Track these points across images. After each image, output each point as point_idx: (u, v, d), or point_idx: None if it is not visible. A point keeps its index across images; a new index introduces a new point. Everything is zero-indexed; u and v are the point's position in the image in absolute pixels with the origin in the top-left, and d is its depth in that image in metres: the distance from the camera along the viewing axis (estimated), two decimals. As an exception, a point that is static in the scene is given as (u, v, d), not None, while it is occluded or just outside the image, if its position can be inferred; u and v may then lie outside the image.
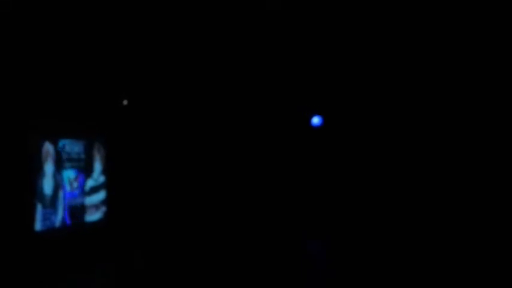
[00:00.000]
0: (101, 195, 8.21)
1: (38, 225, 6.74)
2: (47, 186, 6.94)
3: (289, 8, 6.88)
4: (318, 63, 8.45)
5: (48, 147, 6.97)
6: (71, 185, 7.47)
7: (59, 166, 7.19)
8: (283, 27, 7.41)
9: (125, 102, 8.67)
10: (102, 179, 8.25)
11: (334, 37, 7.82)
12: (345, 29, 7.55)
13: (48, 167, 6.97)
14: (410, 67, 8.07)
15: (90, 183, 7.94)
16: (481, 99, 7.72)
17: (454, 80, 7.91)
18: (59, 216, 7.18)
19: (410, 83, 8.21)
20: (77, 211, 7.59)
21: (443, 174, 8.00)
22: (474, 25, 7.13)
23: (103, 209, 8.26)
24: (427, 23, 7.24)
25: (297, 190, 8.96)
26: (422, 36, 7.50)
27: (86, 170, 7.82)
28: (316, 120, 8.89)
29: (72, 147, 7.51)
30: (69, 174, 7.43)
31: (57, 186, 7.14)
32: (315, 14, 7.08)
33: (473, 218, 7.58)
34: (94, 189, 8.04)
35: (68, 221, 7.37)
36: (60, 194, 7.21)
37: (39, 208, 6.76)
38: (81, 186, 7.73)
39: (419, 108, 8.23)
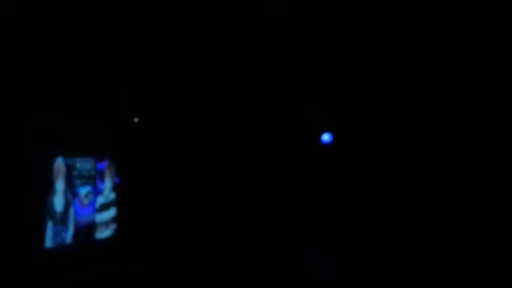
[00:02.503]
0: (111, 212, 8.21)
1: (49, 242, 6.74)
2: (58, 203, 6.96)
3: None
4: (326, 74, 8.44)
5: (59, 164, 7.01)
6: (82, 202, 7.48)
7: (70, 183, 7.21)
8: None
9: (136, 119, 8.72)
10: (112, 196, 8.27)
11: (346, 47, 7.78)
12: (356, 35, 7.49)
13: (59, 184, 6.99)
14: (422, 80, 8.06)
15: (100, 200, 7.95)
16: (495, 103, 7.66)
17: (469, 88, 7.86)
18: (70, 233, 7.18)
19: (421, 95, 8.19)
20: (87, 228, 7.59)
21: (448, 180, 7.94)
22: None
23: (113, 226, 8.26)
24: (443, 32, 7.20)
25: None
26: (438, 46, 7.47)
27: (96, 187, 7.84)
28: (326, 137, 8.87)
29: (83, 164, 7.54)
30: (80, 191, 7.44)
31: (68, 203, 7.16)
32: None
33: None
34: (104, 206, 8.05)
35: (79, 238, 7.36)
36: (71, 211, 7.22)
37: (49, 225, 6.77)
38: (92, 203, 7.74)
39: (421, 112, 8.19)
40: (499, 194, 7.51)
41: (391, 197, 8.25)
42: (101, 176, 7.97)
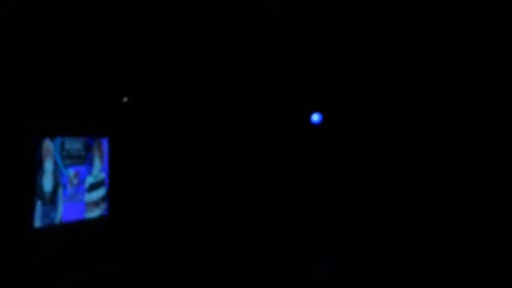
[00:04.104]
0: (100, 192, 8.23)
1: (38, 222, 6.76)
2: (47, 183, 6.96)
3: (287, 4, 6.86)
4: (316, 58, 8.44)
5: (48, 144, 6.99)
6: (71, 182, 7.49)
7: (58, 163, 7.21)
8: (280, 22, 7.40)
9: (125, 99, 8.68)
10: (102, 176, 8.28)
11: (333, 32, 7.81)
12: (345, 22, 7.53)
13: (48, 164, 6.99)
14: (412, 63, 8.07)
15: (89, 180, 7.96)
16: (478, 94, 7.71)
17: (455, 71, 7.89)
18: (59, 213, 7.20)
19: (412, 79, 8.20)
20: (76, 208, 7.61)
21: (444, 171, 8.00)
22: (474, 23, 7.12)
23: (103, 205, 8.28)
24: (424, 17, 7.24)
25: (297, 187, 8.96)
26: (424, 29, 7.49)
27: (85, 167, 7.84)
28: (315, 117, 8.88)
29: (72, 144, 7.52)
30: (69, 171, 7.45)
31: (57, 183, 7.17)
32: (312, 10, 7.06)
33: (472, 213, 7.59)
34: (94, 186, 8.06)
35: (68, 218, 7.39)
36: (60, 191, 7.23)
37: (38, 205, 6.78)
38: (81, 183, 7.75)
39: (420, 105, 8.22)
40: (487, 182, 7.60)
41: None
42: (90, 156, 7.96)
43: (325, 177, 8.89)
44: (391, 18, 7.26)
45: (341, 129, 8.83)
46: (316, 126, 8.92)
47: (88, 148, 7.93)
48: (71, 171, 7.51)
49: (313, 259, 7.68)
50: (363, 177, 8.64)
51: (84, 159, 7.81)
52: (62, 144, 7.32)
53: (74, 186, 7.56)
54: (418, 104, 8.22)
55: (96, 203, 8.12)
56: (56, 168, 7.16)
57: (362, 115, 8.64)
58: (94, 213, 8.06)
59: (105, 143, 8.36)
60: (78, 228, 7.64)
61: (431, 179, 8.12)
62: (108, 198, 8.38)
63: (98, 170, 8.20)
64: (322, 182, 8.91)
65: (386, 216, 8.29)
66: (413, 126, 8.31)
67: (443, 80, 7.97)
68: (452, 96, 8.02)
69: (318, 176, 8.94)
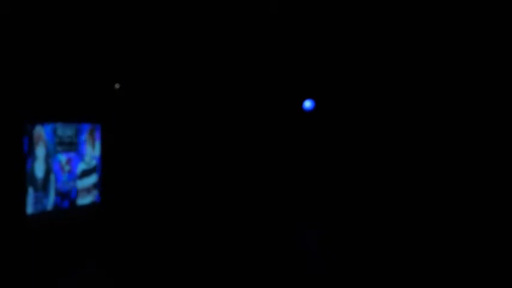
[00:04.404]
0: (92, 179, 8.21)
1: (30, 209, 6.74)
2: (39, 169, 6.93)
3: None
4: (308, 45, 8.44)
5: (39, 131, 6.95)
6: (63, 169, 7.46)
7: (50, 149, 7.17)
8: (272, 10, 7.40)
9: (117, 85, 8.63)
10: (94, 162, 8.25)
11: (325, 19, 7.83)
12: (338, 10, 7.56)
13: (40, 151, 6.95)
14: (405, 50, 8.09)
15: (81, 166, 7.93)
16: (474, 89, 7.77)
17: (450, 62, 7.93)
18: (51, 199, 7.18)
19: (405, 66, 8.23)
20: (68, 194, 7.59)
21: (439, 163, 8.05)
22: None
23: (94, 192, 8.27)
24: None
25: (291, 179, 8.98)
26: (417, 16, 7.52)
27: (77, 154, 7.81)
28: (308, 104, 8.88)
29: (64, 130, 7.49)
30: (61, 157, 7.41)
31: (49, 169, 7.14)
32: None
33: (470, 208, 7.66)
34: (86, 173, 8.04)
35: (60, 204, 7.37)
36: (52, 177, 7.20)
37: (30, 191, 6.76)
38: (73, 169, 7.72)
39: (413, 93, 8.25)
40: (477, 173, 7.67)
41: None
42: (82, 142, 7.93)
43: (318, 163, 8.93)
44: (383, 5, 7.26)
45: (334, 116, 8.85)
46: (308, 112, 8.92)
47: (80, 134, 7.89)
48: (63, 158, 7.48)
49: (308, 252, 7.70)
50: (355, 163, 8.68)
51: (76, 145, 7.77)
52: (54, 131, 7.28)
53: (66, 172, 7.54)
54: (412, 92, 8.25)
55: (88, 190, 8.10)
56: (48, 155, 7.12)
57: (355, 102, 8.66)
58: (86, 199, 8.05)
59: (97, 130, 8.32)
60: (70, 215, 7.62)
61: (423, 167, 8.18)
62: (100, 184, 8.37)
63: (90, 157, 8.17)
64: (315, 167, 8.94)
65: (378, 200, 8.35)
66: (406, 115, 8.34)
67: (437, 67, 8.00)
68: (444, 80, 8.05)
69: (310, 162, 8.97)
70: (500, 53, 7.51)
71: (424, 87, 8.15)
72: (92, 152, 8.20)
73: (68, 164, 7.59)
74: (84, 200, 7.98)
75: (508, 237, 6.82)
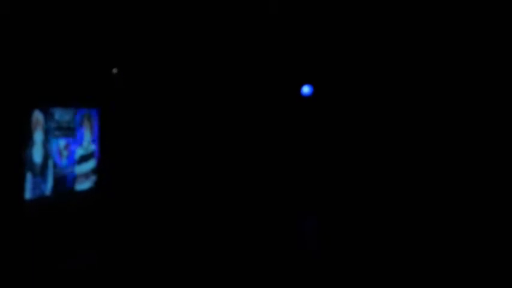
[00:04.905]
0: (90, 164, 8.18)
1: (28, 194, 6.71)
2: (37, 155, 6.89)
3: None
4: (306, 31, 8.41)
5: (37, 116, 6.90)
6: (61, 154, 7.43)
7: (48, 135, 7.13)
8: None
9: (115, 70, 8.57)
10: (92, 147, 8.21)
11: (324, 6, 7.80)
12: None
13: (38, 136, 6.91)
14: (403, 38, 8.07)
15: (80, 152, 7.89)
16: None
17: (446, 47, 7.91)
18: (49, 184, 7.15)
19: (403, 53, 8.21)
20: (67, 180, 7.56)
21: (438, 155, 8.05)
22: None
23: (93, 177, 8.24)
24: None
25: (289, 168, 8.98)
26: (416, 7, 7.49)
27: (75, 139, 7.77)
28: (306, 89, 8.84)
29: (62, 115, 7.43)
30: (59, 142, 7.37)
31: (47, 155, 7.10)
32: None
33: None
34: (84, 158, 8.00)
35: (58, 190, 7.34)
36: (50, 162, 7.16)
37: (29, 177, 6.72)
38: (71, 155, 7.68)
39: (412, 80, 8.23)
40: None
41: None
42: (80, 127, 7.88)
43: (316, 149, 8.92)
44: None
45: (332, 102, 8.83)
46: (306, 98, 8.89)
47: (78, 119, 7.85)
48: (61, 143, 7.44)
49: (306, 241, 7.73)
50: (353, 150, 8.69)
51: (74, 130, 7.73)
52: (52, 116, 7.22)
53: (64, 158, 7.50)
54: (410, 79, 8.23)
55: (86, 175, 8.07)
56: (46, 140, 7.08)
57: (354, 88, 8.63)
58: (84, 185, 8.03)
59: (95, 114, 8.28)
60: (69, 200, 7.60)
61: (421, 156, 8.18)
62: (98, 170, 8.34)
63: (88, 142, 8.13)
64: (313, 153, 8.94)
65: (375, 190, 8.36)
66: (404, 102, 8.33)
67: (436, 56, 7.98)
68: (443, 69, 8.04)
69: (308, 148, 8.97)
70: (500, 53, 7.50)
71: (421, 78, 8.13)
72: (90, 137, 8.16)
73: (66, 149, 7.55)
74: (82, 185, 7.96)
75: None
